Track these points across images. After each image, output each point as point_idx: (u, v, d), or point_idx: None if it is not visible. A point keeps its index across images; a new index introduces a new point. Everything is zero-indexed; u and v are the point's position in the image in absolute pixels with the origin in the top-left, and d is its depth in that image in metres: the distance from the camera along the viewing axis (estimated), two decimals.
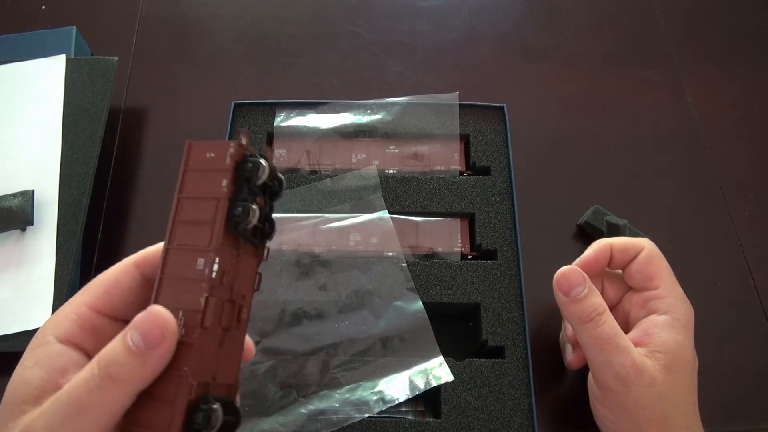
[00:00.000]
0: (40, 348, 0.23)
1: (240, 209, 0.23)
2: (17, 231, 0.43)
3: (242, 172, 0.23)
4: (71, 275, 0.42)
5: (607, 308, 0.35)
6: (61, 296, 0.41)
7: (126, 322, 0.22)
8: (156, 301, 0.23)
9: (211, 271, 0.22)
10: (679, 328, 0.34)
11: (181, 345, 0.22)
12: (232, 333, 0.24)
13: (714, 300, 0.45)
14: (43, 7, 0.59)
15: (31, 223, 0.43)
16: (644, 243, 0.37)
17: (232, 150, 0.23)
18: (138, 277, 0.26)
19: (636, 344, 0.34)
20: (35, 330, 0.41)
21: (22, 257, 0.42)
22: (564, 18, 0.60)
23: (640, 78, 0.56)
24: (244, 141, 0.24)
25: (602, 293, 0.39)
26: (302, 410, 0.38)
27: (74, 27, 0.52)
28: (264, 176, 0.23)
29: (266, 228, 0.25)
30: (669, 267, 0.37)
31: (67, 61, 0.49)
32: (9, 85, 0.49)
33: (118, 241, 0.47)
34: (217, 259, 0.22)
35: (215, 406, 0.21)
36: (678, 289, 0.36)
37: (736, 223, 0.49)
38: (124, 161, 0.51)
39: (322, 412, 0.38)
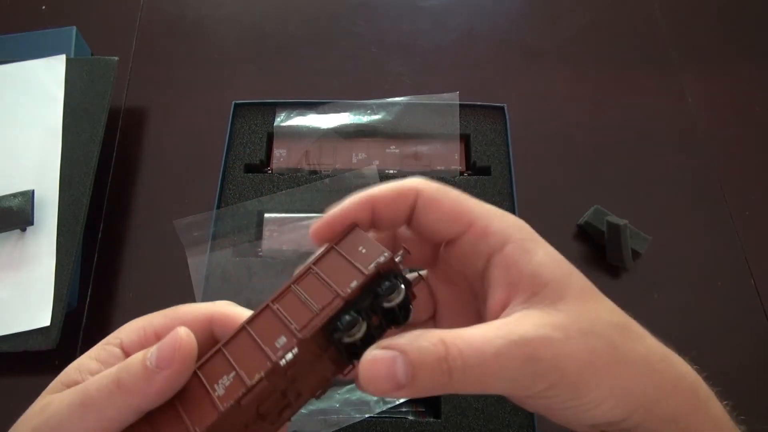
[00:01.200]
0: (105, 347, 0.23)
1: (348, 319, 0.21)
2: (17, 231, 0.43)
3: (377, 284, 0.21)
4: (71, 275, 0.42)
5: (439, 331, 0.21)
6: (61, 296, 0.41)
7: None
8: (224, 347, 0.22)
9: (284, 356, 0.20)
10: (533, 247, 0.23)
11: (209, 402, 0.20)
12: (265, 425, 0.22)
13: (714, 300, 0.45)
14: (43, 7, 0.59)
15: (31, 223, 0.43)
16: (415, 183, 0.25)
17: (381, 259, 0.21)
18: (208, 330, 0.24)
19: (504, 304, 0.23)
20: (35, 330, 0.41)
21: (22, 257, 0.42)
22: (564, 18, 0.60)
23: (640, 78, 0.56)
24: (398, 259, 0.22)
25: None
26: (302, 410, 0.38)
27: (74, 27, 0.52)
28: (393, 302, 0.22)
29: (359, 348, 0.21)
30: (461, 193, 0.25)
31: (67, 61, 0.49)
32: (9, 85, 0.49)
33: (118, 241, 0.47)
34: (296, 350, 0.20)
35: None
36: (492, 209, 0.25)
37: (736, 223, 0.49)
38: (124, 161, 0.51)
39: (322, 412, 0.38)
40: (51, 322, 0.40)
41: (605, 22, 0.60)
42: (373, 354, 0.21)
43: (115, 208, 0.49)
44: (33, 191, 0.44)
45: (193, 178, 0.50)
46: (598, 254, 0.46)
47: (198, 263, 0.43)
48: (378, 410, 0.38)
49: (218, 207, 0.45)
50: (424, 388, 0.20)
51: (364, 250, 0.22)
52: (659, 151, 0.52)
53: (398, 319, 0.22)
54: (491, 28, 0.59)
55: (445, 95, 0.50)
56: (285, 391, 0.21)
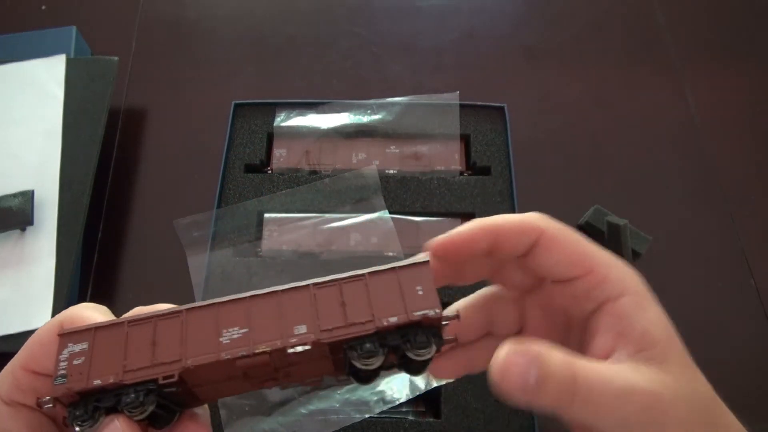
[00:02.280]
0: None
1: (369, 348, 0.21)
2: (17, 231, 0.43)
3: (413, 332, 0.21)
4: (71, 275, 0.42)
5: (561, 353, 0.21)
6: (61, 296, 0.41)
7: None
8: (250, 299, 0.22)
9: (294, 346, 0.20)
10: (647, 303, 0.24)
11: (212, 343, 0.21)
12: (245, 384, 0.22)
13: (714, 300, 0.45)
14: (43, 7, 0.59)
15: (31, 223, 0.43)
16: (539, 221, 0.25)
17: (430, 313, 0.21)
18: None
19: (610, 351, 0.23)
20: (35, 330, 0.41)
21: (22, 257, 0.42)
22: (564, 18, 0.60)
23: (640, 78, 0.56)
24: (445, 323, 0.22)
25: (505, 280, 0.27)
26: (302, 410, 0.38)
27: (74, 27, 0.52)
28: (417, 357, 0.21)
29: (362, 371, 0.21)
30: (583, 237, 0.25)
31: (67, 61, 0.49)
32: (9, 85, 0.49)
33: (118, 241, 0.47)
34: (308, 347, 0.20)
35: None
36: (612, 259, 0.25)
37: (736, 223, 0.49)
38: (124, 161, 0.51)
39: (322, 412, 0.38)
40: None
41: (605, 21, 0.60)
42: (514, 350, 0.21)
43: (115, 208, 0.49)
44: (33, 191, 0.44)
45: (193, 178, 0.50)
46: None
47: (198, 263, 0.43)
48: (378, 410, 0.38)
49: (218, 207, 0.45)
50: (545, 401, 0.21)
51: (420, 292, 0.22)
52: (659, 151, 0.52)
53: (412, 370, 0.22)
54: (491, 28, 0.59)
55: (445, 95, 0.50)
56: (278, 368, 0.22)
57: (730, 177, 0.51)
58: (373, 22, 0.59)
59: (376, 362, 0.21)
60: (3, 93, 0.49)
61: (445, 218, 0.46)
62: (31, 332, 0.41)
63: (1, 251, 0.43)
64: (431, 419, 0.39)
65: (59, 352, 0.21)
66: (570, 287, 0.25)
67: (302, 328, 0.21)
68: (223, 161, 0.47)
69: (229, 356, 0.20)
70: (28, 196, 0.43)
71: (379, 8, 0.60)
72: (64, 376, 0.20)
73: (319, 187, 0.46)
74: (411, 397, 0.38)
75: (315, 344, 0.20)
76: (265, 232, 0.45)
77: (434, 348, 0.21)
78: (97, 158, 0.46)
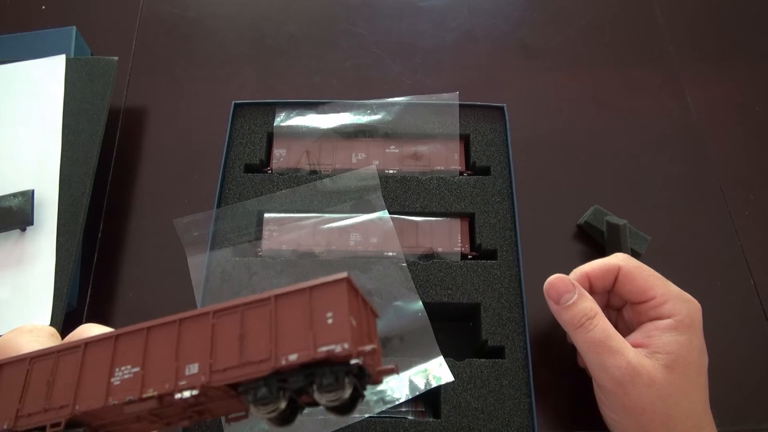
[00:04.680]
0: None
1: (263, 393, 0.18)
2: (17, 231, 0.43)
3: (320, 370, 0.18)
4: (71, 275, 0.42)
5: (600, 312, 0.35)
6: (61, 296, 0.41)
7: None
8: (149, 331, 0.19)
9: (181, 392, 0.18)
10: (682, 328, 0.34)
11: (103, 384, 0.19)
12: (161, 422, 0.20)
13: (714, 300, 0.45)
14: (43, 7, 0.59)
15: (31, 223, 0.43)
16: (618, 261, 0.37)
17: (337, 349, 0.17)
18: None
19: (637, 346, 0.35)
20: None
21: (22, 257, 0.42)
22: (564, 18, 0.60)
23: (640, 78, 0.56)
24: (354, 362, 0.18)
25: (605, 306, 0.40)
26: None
27: (74, 27, 0.52)
28: (325, 401, 0.18)
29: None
30: (653, 272, 0.37)
31: (67, 61, 0.49)
32: (9, 85, 0.49)
33: (118, 241, 0.47)
34: (196, 391, 0.18)
35: None
36: (674, 290, 0.36)
37: (736, 223, 0.49)
38: (124, 161, 0.51)
39: (322, 411, 0.38)
40: (51, 322, 0.40)
41: (605, 21, 0.60)
42: (566, 278, 0.36)
43: (115, 208, 0.49)
44: (33, 191, 0.44)
45: (193, 178, 0.50)
46: (598, 254, 0.46)
47: (197, 263, 0.43)
48: (378, 410, 0.38)
49: (218, 207, 0.45)
50: (564, 317, 0.36)
51: (330, 320, 0.18)
52: (659, 151, 0.52)
53: (335, 411, 0.19)
54: (491, 28, 0.59)
55: (445, 95, 0.50)
56: (186, 408, 0.19)
57: (730, 177, 0.51)
58: (373, 22, 0.59)
59: (276, 408, 0.18)
60: (3, 93, 0.49)
61: (444, 218, 0.46)
62: None
63: (1, 251, 0.43)
64: (431, 419, 0.39)
65: None
66: (638, 307, 0.37)
67: (194, 368, 0.18)
68: (222, 161, 0.47)
69: (116, 401, 0.18)
70: (28, 196, 0.43)
71: (379, 8, 0.60)
72: None
73: (319, 187, 0.46)
74: (411, 397, 0.38)
75: (205, 387, 0.18)
76: (265, 232, 0.45)
77: (348, 390, 0.18)
78: (97, 158, 0.46)
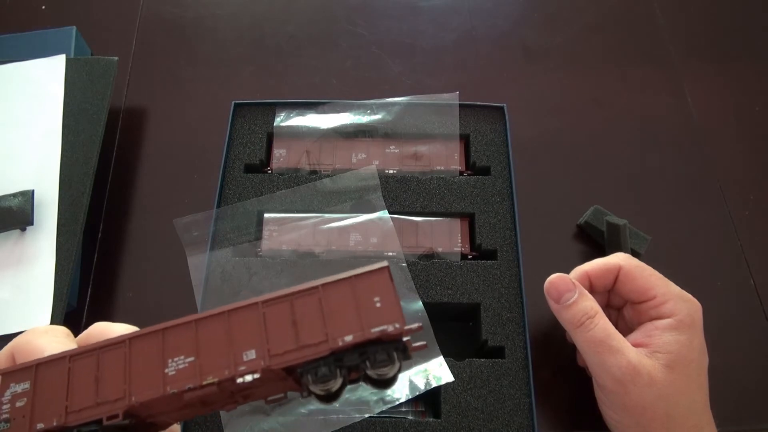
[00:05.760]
0: None
1: (324, 372, 0.19)
2: (17, 231, 0.43)
3: (373, 349, 0.19)
4: (71, 275, 0.42)
5: (600, 311, 0.35)
6: (61, 296, 0.41)
7: None
8: (197, 323, 0.20)
9: (243, 376, 0.19)
10: (682, 328, 0.34)
11: (158, 375, 0.19)
12: (206, 409, 0.21)
13: (714, 300, 0.45)
14: (43, 7, 0.59)
15: (31, 223, 0.43)
16: (619, 260, 0.37)
17: (390, 329, 0.19)
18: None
19: (638, 345, 0.35)
20: None
21: (22, 257, 0.42)
22: (564, 18, 0.60)
23: (640, 78, 0.56)
24: (407, 338, 0.20)
25: (605, 305, 0.40)
26: (302, 410, 0.38)
27: (74, 27, 0.52)
28: (380, 376, 0.20)
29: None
30: (654, 271, 0.37)
31: (67, 61, 0.49)
32: (9, 85, 0.49)
33: (118, 241, 0.47)
34: (258, 375, 0.19)
35: None
36: (675, 290, 0.36)
37: (736, 223, 0.49)
38: (124, 161, 0.51)
39: (322, 411, 0.38)
40: (51, 322, 0.40)
41: (605, 21, 0.60)
42: (566, 277, 0.36)
43: (115, 208, 0.49)
44: (33, 191, 0.44)
45: (193, 178, 0.50)
46: (598, 254, 0.46)
47: (197, 263, 0.43)
48: (378, 410, 0.38)
49: (218, 207, 0.45)
50: (565, 316, 0.36)
51: (379, 304, 0.20)
52: (659, 151, 0.52)
53: (380, 385, 0.21)
54: (491, 28, 0.59)
55: (445, 95, 0.50)
56: (234, 393, 0.20)
57: (730, 177, 0.51)
58: (373, 22, 0.59)
59: (334, 385, 0.19)
60: (3, 93, 0.49)
61: (444, 218, 0.46)
62: None
63: (1, 251, 0.43)
64: (431, 419, 0.39)
65: (1, 393, 0.20)
66: (639, 306, 0.37)
67: (251, 354, 0.19)
68: (223, 161, 0.47)
69: (175, 390, 0.19)
70: (28, 196, 0.43)
71: (379, 8, 0.60)
72: (7, 421, 0.19)
73: (319, 187, 0.46)
74: (411, 397, 0.38)
75: (265, 371, 0.19)
76: (265, 232, 0.45)
77: (398, 365, 0.20)
78: (97, 158, 0.46)
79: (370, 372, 0.20)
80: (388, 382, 0.20)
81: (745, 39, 0.59)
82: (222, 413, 0.38)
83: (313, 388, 0.19)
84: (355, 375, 0.20)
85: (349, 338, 0.19)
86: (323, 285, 0.20)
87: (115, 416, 0.19)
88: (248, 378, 0.19)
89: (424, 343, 0.21)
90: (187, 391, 0.19)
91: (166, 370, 0.19)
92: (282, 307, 0.20)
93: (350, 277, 0.20)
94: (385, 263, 0.20)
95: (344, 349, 0.19)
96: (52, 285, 0.41)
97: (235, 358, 0.19)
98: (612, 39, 0.59)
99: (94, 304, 0.45)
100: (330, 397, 0.20)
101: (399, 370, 0.20)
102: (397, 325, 0.19)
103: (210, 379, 0.19)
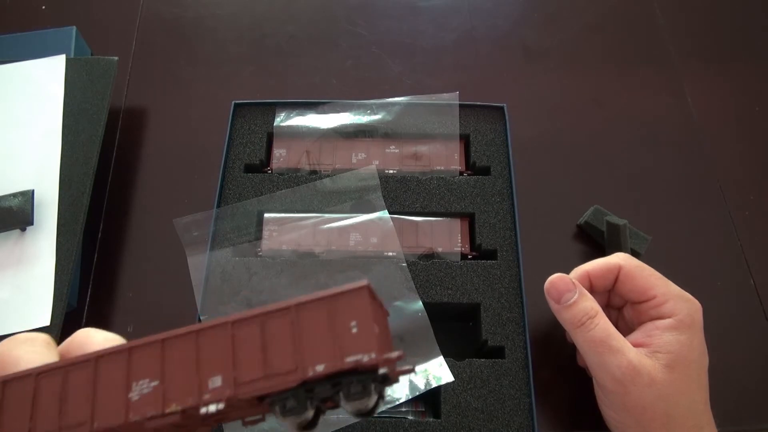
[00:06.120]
0: None
1: (293, 405, 0.18)
2: (17, 231, 0.43)
3: (347, 378, 0.18)
4: (71, 275, 0.42)
5: (600, 311, 0.35)
6: (61, 296, 0.41)
7: None
8: (164, 343, 0.19)
9: (207, 405, 0.18)
10: (682, 328, 0.34)
11: (121, 400, 0.18)
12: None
13: (714, 300, 0.45)
14: (43, 7, 0.59)
15: (31, 223, 0.43)
16: (619, 260, 0.37)
17: (364, 359, 0.17)
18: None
19: (638, 345, 0.35)
20: (35, 330, 0.41)
21: (22, 257, 0.42)
22: (564, 18, 0.60)
23: (640, 78, 0.56)
24: (383, 371, 0.18)
25: (605, 304, 0.40)
26: None
27: (74, 27, 0.52)
28: (355, 408, 0.18)
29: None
30: (654, 271, 0.37)
31: (67, 61, 0.49)
32: (9, 85, 0.49)
33: (118, 241, 0.47)
34: (222, 405, 0.17)
35: None
36: (675, 290, 0.36)
37: (736, 223, 0.49)
38: (124, 161, 0.51)
39: (333, 412, 0.38)
40: (51, 322, 0.40)
41: (605, 21, 0.60)
42: (567, 278, 0.36)
43: (115, 208, 0.49)
44: (33, 191, 0.44)
45: (193, 178, 0.50)
46: (598, 254, 0.46)
47: (197, 263, 0.43)
48: (378, 410, 0.38)
49: (218, 207, 0.45)
50: (565, 316, 0.36)
51: (355, 329, 0.18)
52: (659, 151, 0.52)
53: (359, 415, 0.19)
54: (491, 28, 0.59)
55: (445, 95, 0.50)
56: (205, 417, 0.19)
57: (730, 177, 0.51)
58: (373, 22, 0.59)
59: (304, 418, 0.18)
60: (3, 93, 0.49)
61: (444, 218, 0.46)
62: (31, 332, 0.41)
63: (1, 251, 0.43)
64: (431, 419, 0.39)
65: None
66: (639, 306, 0.37)
67: (217, 381, 0.18)
68: (223, 161, 0.47)
69: (137, 417, 0.18)
70: (28, 196, 0.43)
71: (379, 8, 0.60)
72: None
73: (319, 187, 0.46)
74: (411, 397, 0.38)
75: (230, 401, 0.18)
76: (265, 232, 0.45)
77: (375, 397, 0.18)
78: (97, 158, 0.46)
79: (343, 404, 0.18)
80: (367, 413, 0.19)
81: (745, 39, 0.59)
82: None
83: (279, 419, 0.18)
84: (330, 405, 0.19)
85: (320, 368, 0.17)
86: (296, 305, 0.18)
87: None
88: (211, 408, 0.17)
89: (411, 367, 0.19)
90: (150, 419, 0.18)
91: (130, 395, 0.18)
92: (252, 328, 0.18)
93: (326, 297, 0.18)
94: (364, 282, 0.19)
95: (315, 380, 0.18)
96: (52, 285, 0.41)
97: (200, 385, 0.18)
98: (612, 39, 0.59)
99: (94, 304, 0.45)
100: (304, 428, 0.19)
101: (378, 402, 0.18)
102: (373, 356, 0.17)
103: (173, 408, 0.18)
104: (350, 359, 0.17)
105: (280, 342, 0.18)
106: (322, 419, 0.20)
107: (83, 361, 0.19)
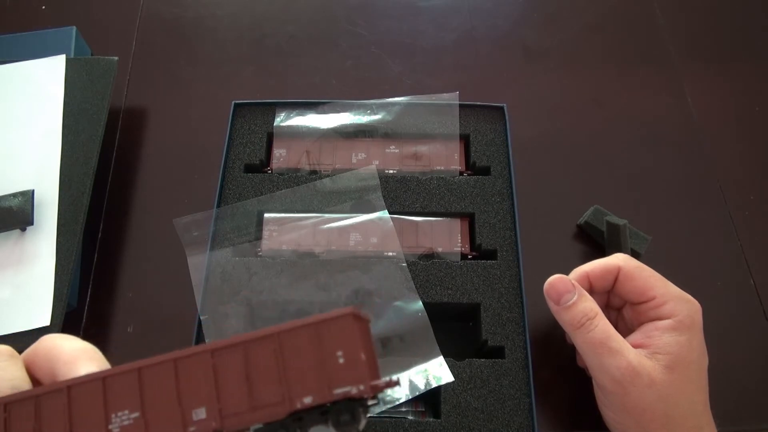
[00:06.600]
0: None
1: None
2: (17, 231, 0.43)
3: (335, 408, 0.17)
4: (71, 275, 0.42)
5: (600, 312, 0.35)
6: (61, 296, 0.41)
7: None
8: (141, 371, 0.18)
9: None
10: (682, 329, 0.34)
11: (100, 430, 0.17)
12: None
13: (714, 300, 0.45)
14: (43, 7, 0.59)
15: (31, 223, 0.43)
16: (619, 261, 0.37)
17: (353, 391, 0.17)
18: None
19: (637, 346, 0.35)
20: (35, 330, 0.41)
21: (22, 257, 0.42)
22: (564, 18, 0.60)
23: (640, 78, 0.56)
24: (371, 403, 0.18)
25: (605, 305, 0.40)
26: None
27: (74, 27, 0.52)
28: None
29: None
30: (653, 272, 0.37)
31: (67, 61, 0.49)
32: (9, 85, 0.49)
33: (118, 241, 0.47)
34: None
35: None
36: (674, 291, 0.36)
37: (736, 223, 0.49)
38: (124, 161, 0.51)
39: None
40: (51, 322, 0.40)
41: (605, 22, 0.60)
42: (566, 279, 0.36)
43: (115, 208, 0.49)
44: (33, 191, 0.44)
45: (193, 178, 0.50)
46: (598, 254, 0.46)
47: (197, 263, 0.43)
48: (378, 410, 0.38)
49: (218, 207, 0.45)
50: (565, 317, 0.35)
51: (342, 360, 0.17)
52: (659, 151, 0.52)
53: None
54: (491, 28, 0.59)
55: (445, 95, 0.50)
56: None
57: (730, 177, 0.51)
58: (373, 22, 0.59)
59: None
60: (3, 93, 0.49)
61: (444, 218, 0.46)
62: (30, 332, 0.42)
63: (1, 251, 0.43)
64: (431, 419, 0.39)
65: None
66: (638, 307, 0.37)
67: (201, 413, 0.17)
68: (223, 161, 0.47)
69: None
70: (28, 196, 0.43)
71: (379, 8, 0.60)
72: None
73: (319, 187, 0.46)
74: (411, 397, 0.38)
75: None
76: (265, 232, 0.45)
77: (364, 422, 0.18)
78: (97, 158, 0.46)
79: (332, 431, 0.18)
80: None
81: (745, 39, 0.59)
82: None
83: None
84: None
85: (308, 400, 0.17)
86: (280, 332, 0.18)
87: None
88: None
89: (396, 379, 0.19)
90: None
91: (110, 427, 0.17)
92: (235, 358, 0.18)
93: (310, 324, 0.18)
94: (349, 309, 0.18)
95: (303, 411, 0.17)
96: (52, 285, 0.41)
97: (183, 417, 0.17)
98: (612, 39, 0.59)
99: (94, 304, 0.45)
100: None
101: (365, 422, 0.18)
102: (362, 387, 0.17)
103: None
104: (338, 391, 0.17)
105: (265, 372, 0.17)
106: None
107: (55, 390, 0.18)
